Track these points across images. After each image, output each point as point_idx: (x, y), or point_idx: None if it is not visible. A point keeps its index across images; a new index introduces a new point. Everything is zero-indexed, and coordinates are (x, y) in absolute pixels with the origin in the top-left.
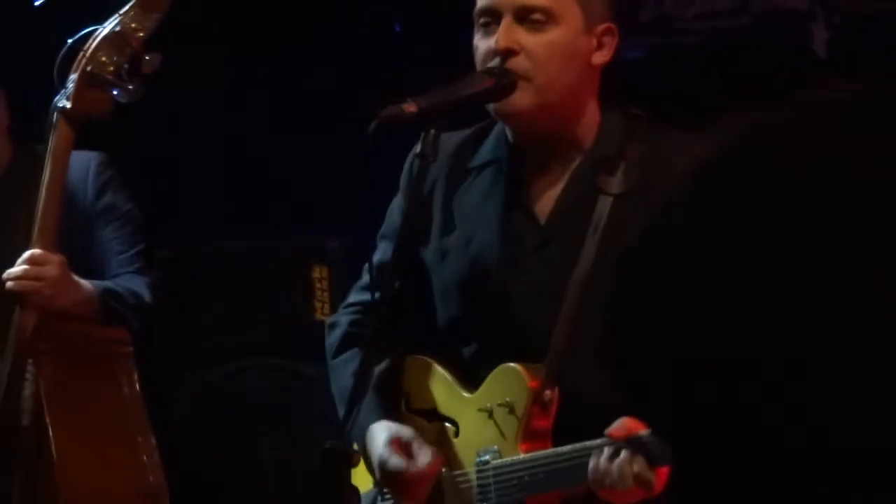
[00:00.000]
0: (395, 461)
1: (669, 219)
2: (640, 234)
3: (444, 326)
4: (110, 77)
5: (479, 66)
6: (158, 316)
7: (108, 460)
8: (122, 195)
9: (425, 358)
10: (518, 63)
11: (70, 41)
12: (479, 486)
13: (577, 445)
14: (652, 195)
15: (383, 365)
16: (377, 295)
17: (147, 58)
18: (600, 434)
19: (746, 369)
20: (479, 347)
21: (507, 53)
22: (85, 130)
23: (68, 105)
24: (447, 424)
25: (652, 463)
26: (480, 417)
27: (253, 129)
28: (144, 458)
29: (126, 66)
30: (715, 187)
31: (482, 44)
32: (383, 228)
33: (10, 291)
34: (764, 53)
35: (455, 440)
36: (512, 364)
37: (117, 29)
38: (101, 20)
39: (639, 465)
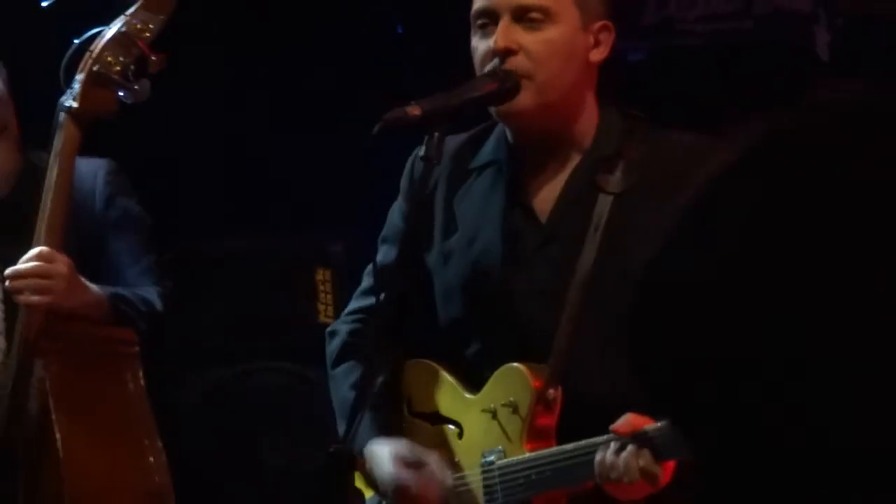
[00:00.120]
0: (405, 476)
1: (686, 221)
2: (656, 237)
3: (446, 328)
4: (116, 77)
5: (478, 68)
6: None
7: (114, 460)
8: (132, 203)
9: (427, 361)
10: (518, 62)
11: (76, 41)
12: (485, 486)
13: (583, 442)
14: (652, 196)
15: (383, 377)
16: (379, 297)
17: (153, 58)
18: (604, 432)
19: (763, 369)
20: (481, 348)
21: (507, 53)
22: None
23: (75, 105)
24: (451, 427)
25: (658, 457)
26: (484, 418)
27: (254, 129)
28: (151, 459)
29: (132, 66)
30: (728, 189)
31: (481, 45)
32: (384, 231)
33: (17, 288)
34: (766, 56)
35: (459, 442)
36: (515, 364)
37: (123, 29)
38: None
39: (645, 459)
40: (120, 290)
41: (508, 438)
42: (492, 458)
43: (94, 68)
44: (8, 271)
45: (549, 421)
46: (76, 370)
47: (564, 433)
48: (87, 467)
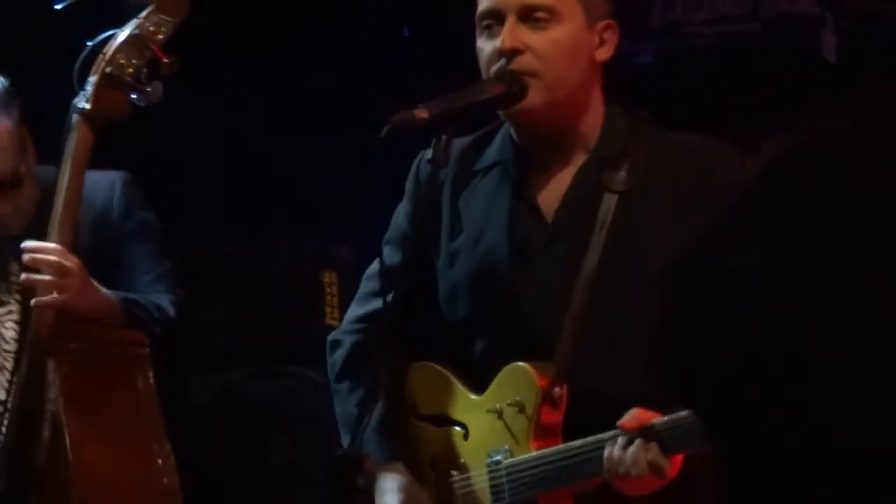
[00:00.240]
0: None
1: (732, 223)
2: (672, 238)
3: (452, 328)
4: (129, 79)
5: (484, 69)
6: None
7: (123, 461)
8: (148, 213)
9: (432, 364)
10: (525, 62)
11: (90, 44)
12: (491, 486)
13: (590, 439)
14: (657, 195)
15: (388, 391)
16: (387, 299)
17: (165, 61)
18: (610, 429)
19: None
20: (487, 347)
21: (513, 53)
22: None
23: (87, 106)
24: (456, 428)
25: (665, 450)
26: (490, 419)
27: (258, 130)
28: (159, 461)
29: (145, 69)
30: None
31: (487, 46)
32: (388, 234)
33: (29, 284)
34: (773, 58)
35: (465, 443)
36: (520, 363)
37: (136, 32)
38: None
39: (652, 453)
40: (132, 295)
41: (514, 438)
42: (498, 457)
43: (107, 70)
44: (29, 244)
45: (555, 419)
46: (87, 370)
47: (571, 431)
48: (96, 468)
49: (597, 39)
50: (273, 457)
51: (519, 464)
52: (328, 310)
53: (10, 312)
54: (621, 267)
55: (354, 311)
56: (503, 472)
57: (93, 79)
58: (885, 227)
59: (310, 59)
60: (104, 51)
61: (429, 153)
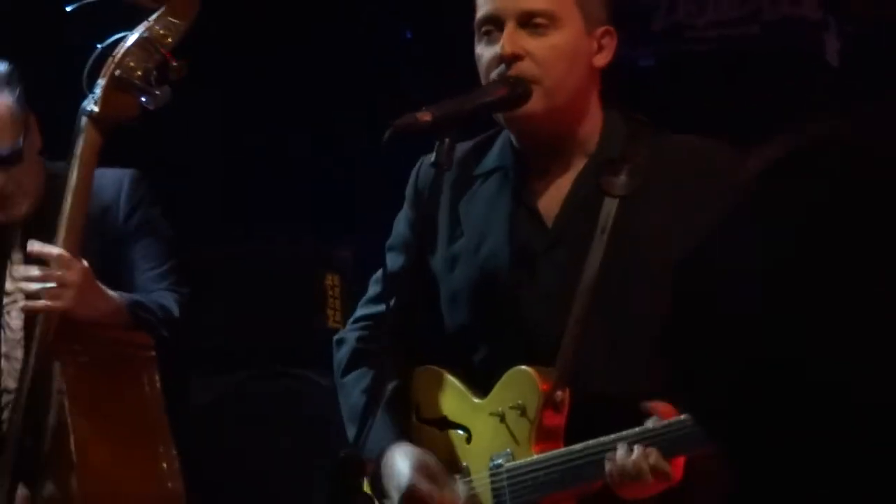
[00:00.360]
0: (426, 486)
1: (733, 223)
2: (672, 240)
3: (454, 333)
4: (138, 82)
5: (483, 75)
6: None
7: (128, 464)
8: (155, 211)
9: (434, 368)
10: (524, 68)
11: (99, 46)
12: (493, 490)
13: (591, 442)
14: (657, 198)
15: (394, 383)
16: (389, 304)
17: (174, 64)
18: (612, 432)
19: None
20: (488, 352)
21: (513, 59)
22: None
23: (96, 109)
24: (459, 432)
25: (666, 454)
26: (492, 422)
27: (257, 130)
28: (164, 464)
29: (154, 72)
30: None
31: (486, 52)
32: (390, 240)
33: (29, 293)
34: (775, 62)
35: (467, 447)
36: (523, 367)
37: (146, 35)
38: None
39: (654, 458)
40: (138, 296)
41: (517, 441)
42: (500, 460)
43: (116, 73)
44: (34, 248)
45: (557, 422)
46: (93, 373)
47: (573, 434)
48: (100, 470)
49: (595, 45)
50: (273, 457)
51: (520, 467)
52: (330, 312)
53: (14, 301)
54: (622, 271)
55: (360, 312)
56: (504, 475)
57: (102, 81)
58: (885, 227)
59: (309, 60)
60: (114, 53)
61: (429, 158)
